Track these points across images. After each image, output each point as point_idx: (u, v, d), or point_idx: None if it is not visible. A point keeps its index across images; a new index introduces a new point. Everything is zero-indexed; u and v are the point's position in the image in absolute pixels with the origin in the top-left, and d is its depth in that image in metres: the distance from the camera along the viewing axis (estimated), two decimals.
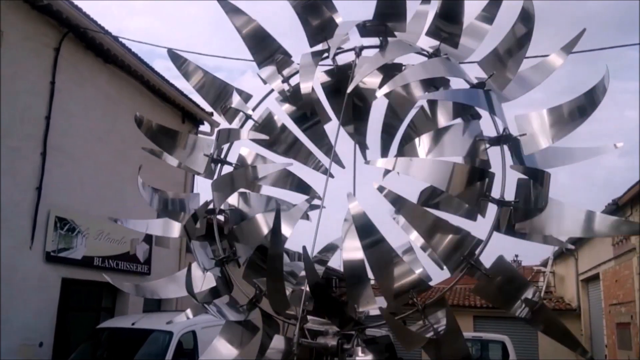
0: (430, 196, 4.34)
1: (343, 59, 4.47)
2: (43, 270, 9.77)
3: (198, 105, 14.52)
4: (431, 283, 4.05)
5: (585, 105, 3.74)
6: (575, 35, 3.92)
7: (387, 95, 4.39)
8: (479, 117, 3.97)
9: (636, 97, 70.56)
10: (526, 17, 3.64)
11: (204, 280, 4.18)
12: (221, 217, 4.49)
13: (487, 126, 3.75)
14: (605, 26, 71.51)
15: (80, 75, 10.89)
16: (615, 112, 70.45)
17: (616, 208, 16.51)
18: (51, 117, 9.98)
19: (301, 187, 4.86)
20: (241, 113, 4.47)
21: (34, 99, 9.76)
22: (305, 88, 3.90)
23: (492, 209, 3.59)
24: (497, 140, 3.66)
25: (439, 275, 4.62)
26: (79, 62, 10.87)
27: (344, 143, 4.71)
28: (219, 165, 4.36)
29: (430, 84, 4.32)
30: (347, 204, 3.64)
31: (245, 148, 4.71)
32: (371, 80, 4.45)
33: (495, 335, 17.57)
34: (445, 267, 3.72)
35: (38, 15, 9.83)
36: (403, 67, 4.24)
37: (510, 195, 3.52)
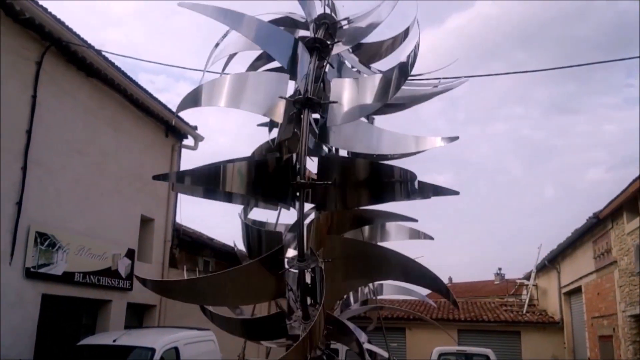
0: None
1: None
2: (23, 286, 9.59)
3: (182, 119, 14.44)
4: None
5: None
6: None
7: None
8: None
9: (615, 112, 71.87)
10: None
11: None
12: None
13: None
14: (594, 48, 72.92)
15: (61, 88, 10.79)
16: (596, 126, 71.63)
17: (597, 221, 16.74)
18: (32, 131, 9.87)
19: None
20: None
21: (15, 113, 9.64)
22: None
23: None
24: (301, 103, 4.03)
25: None
26: (60, 75, 10.77)
27: None
28: None
29: None
30: None
31: None
32: None
33: (480, 349, 17.71)
34: None
35: (20, 28, 9.75)
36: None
37: None
